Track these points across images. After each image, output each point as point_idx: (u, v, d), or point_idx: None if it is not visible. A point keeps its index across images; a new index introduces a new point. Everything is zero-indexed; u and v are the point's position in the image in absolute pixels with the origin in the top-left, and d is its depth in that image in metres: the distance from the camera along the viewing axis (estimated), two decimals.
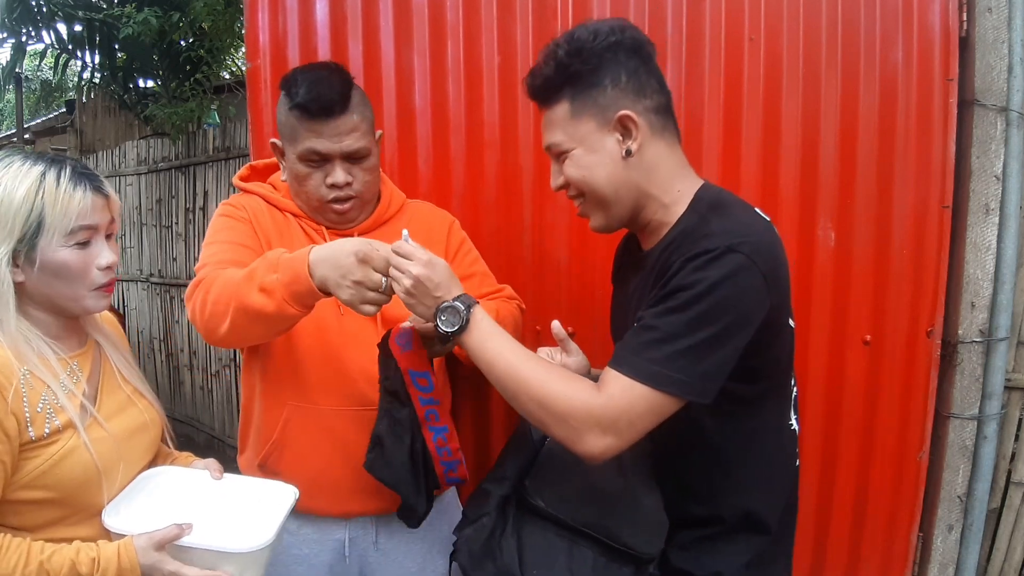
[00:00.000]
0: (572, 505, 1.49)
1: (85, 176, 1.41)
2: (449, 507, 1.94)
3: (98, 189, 1.42)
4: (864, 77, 2.20)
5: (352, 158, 1.74)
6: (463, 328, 1.42)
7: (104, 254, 1.44)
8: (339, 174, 1.74)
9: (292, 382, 1.78)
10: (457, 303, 1.42)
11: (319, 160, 1.74)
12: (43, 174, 1.36)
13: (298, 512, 1.66)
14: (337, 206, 1.79)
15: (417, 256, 1.43)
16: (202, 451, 1.79)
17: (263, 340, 1.72)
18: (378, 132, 1.83)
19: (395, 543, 1.86)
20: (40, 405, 1.34)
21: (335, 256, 1.44)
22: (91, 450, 1.37)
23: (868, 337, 2.27)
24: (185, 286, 5.50)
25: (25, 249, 1.35)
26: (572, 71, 1.42)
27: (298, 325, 1.64)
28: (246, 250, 1.76)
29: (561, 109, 1.45)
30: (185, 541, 1.39)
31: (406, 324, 1.61)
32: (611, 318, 1.77)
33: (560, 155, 1.49)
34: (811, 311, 2.27)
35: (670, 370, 1.28)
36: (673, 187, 1.47)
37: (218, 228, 1.83)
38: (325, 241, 1.78)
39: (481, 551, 1.51)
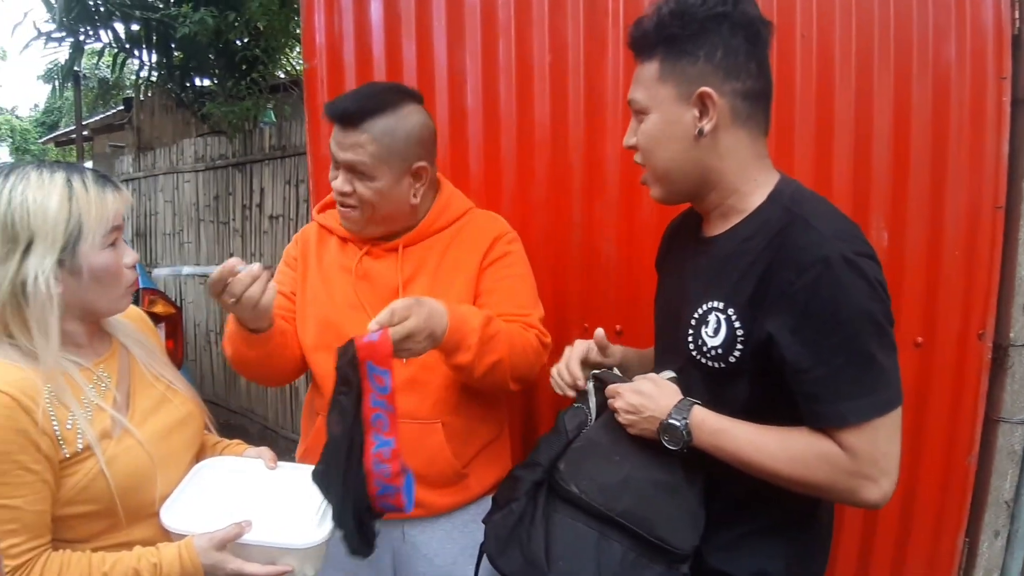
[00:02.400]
0: (610, 494, 1.43)
1: (104, 178, 1.41)
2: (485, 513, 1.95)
3: (119, 189, 1.43)
4: (916, 75, 2.18)
5: (353, 171, 1.78)
6: (689, 441, 1.39)
7: (128, 252, 1.46)
8: (339, 181, 1.81)
9: (322, 393, 1.86)
10: (672, 420, 1.39)
11: (335, 161, 1.82)
12: (68, 180, 1.35)
13: None
14: (342, 209, 1.87)
15: (621, 392, 1.47)
16: (256, 442, 1.83)
17: None
18: (418, 163, 1.82)
19: (425, 538, 1.90)
20: (69, 422, 1.33)
21: None
22: (107, 473, 1.34)
23: (920, 339, 2.25)
24: None
25: (69, 257, 1.34)
26: (669, 32, 1.37)
27: (330, 338, 1.78)
28: (283, 297, 1.93)
29: (651, 67, 1.40)
30: (245, 538, 1.39)
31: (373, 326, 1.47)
32: (656, 305, 1.72)
33: (638, 113, 1.44)
34: None
35: (883, 392, 1.29)
36: (749, 176, 1.42)
37: (278, 269, 2.03)
38: (358, 258, 1.90)
39: (508, 537, 1.49)
